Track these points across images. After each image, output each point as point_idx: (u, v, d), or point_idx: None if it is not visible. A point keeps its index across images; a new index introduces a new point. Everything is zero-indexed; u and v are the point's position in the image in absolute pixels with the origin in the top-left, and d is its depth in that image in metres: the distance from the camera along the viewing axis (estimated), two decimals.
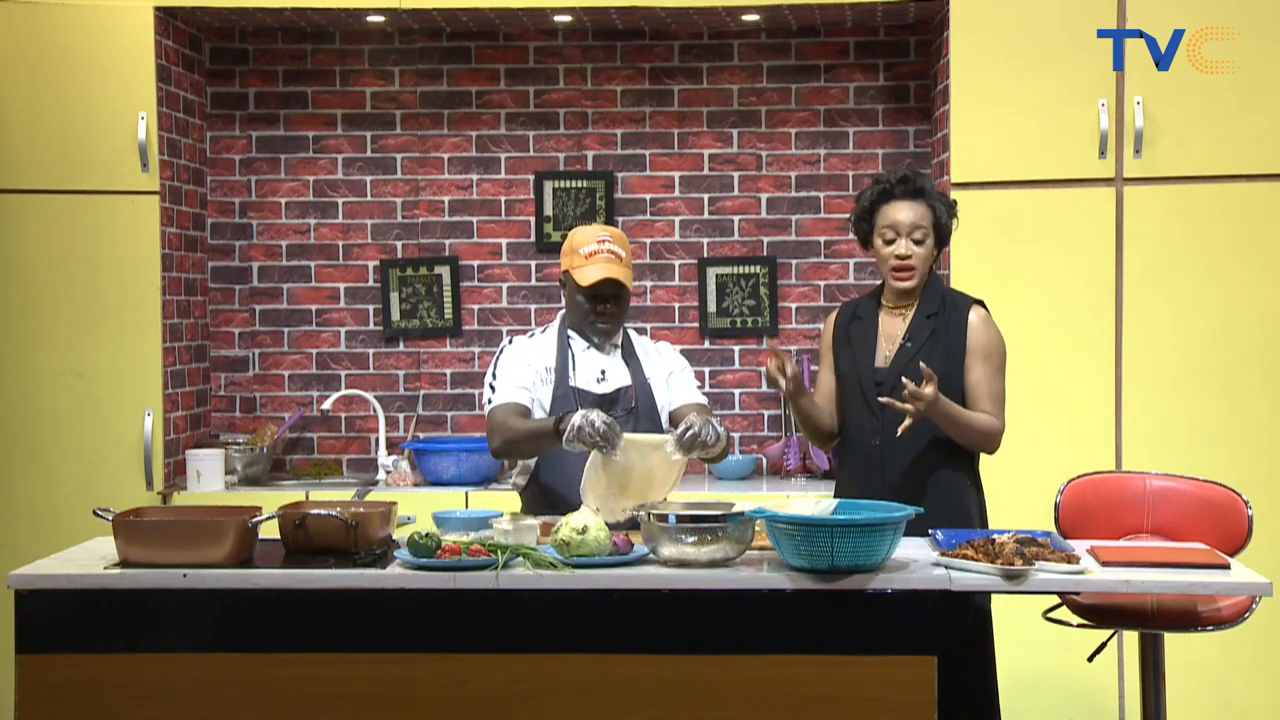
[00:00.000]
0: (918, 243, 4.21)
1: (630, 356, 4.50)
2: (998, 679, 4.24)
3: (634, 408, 4.40)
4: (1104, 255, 5.44)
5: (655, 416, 4.44)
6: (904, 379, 4.04)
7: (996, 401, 4.18)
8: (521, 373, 4.43)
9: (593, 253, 4.40)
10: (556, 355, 4.45)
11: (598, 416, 4.09)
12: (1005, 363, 4.25)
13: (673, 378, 4.51)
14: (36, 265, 5.70)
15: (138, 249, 5.71)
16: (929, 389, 4.00)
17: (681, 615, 3.65)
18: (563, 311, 4.56)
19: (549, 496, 4.39)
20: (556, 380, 4.42)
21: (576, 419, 4.09)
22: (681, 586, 3.64)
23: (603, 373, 4.45)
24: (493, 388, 4.44)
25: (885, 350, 4.26)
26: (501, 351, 4.52)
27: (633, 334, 4.58)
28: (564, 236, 6.17)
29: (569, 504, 4.11)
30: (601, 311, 4.41)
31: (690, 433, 4.10)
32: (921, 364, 4.06)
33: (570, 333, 4.49)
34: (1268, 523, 4.71)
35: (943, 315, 4.19)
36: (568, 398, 4.38)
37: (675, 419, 4.43)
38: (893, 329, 4.26)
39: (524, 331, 6.20)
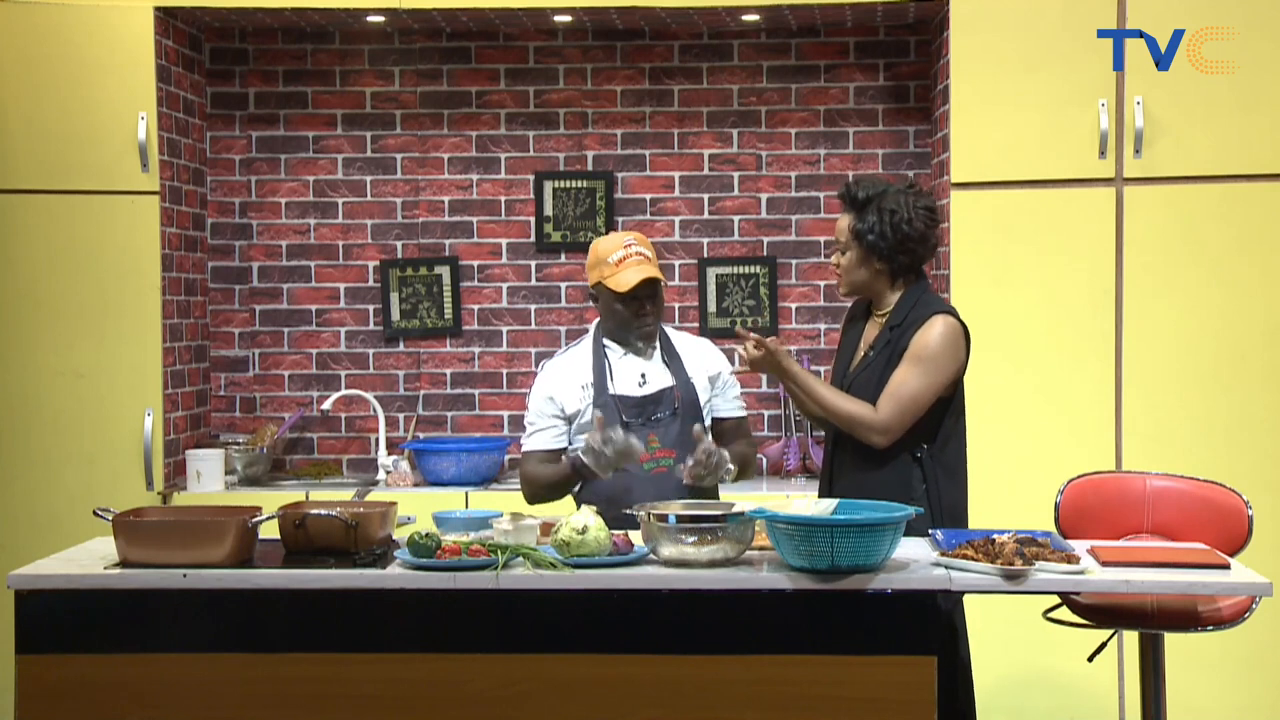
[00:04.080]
0: (841, 252, 4.24)
1: (670, 356, 4.51)
2: (972, 679, 4.22)
3: (678, 408, 4.42)
4: (1104, 255, 5.44)
5: (699, 415, 4.45)
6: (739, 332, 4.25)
7: (894, 399, 4.08)
8: (545, 410, 4.47)
9: (622, 259, 4.41)
10: (594, 368, 4.45)
11: (595, 440, 4.18)
12: (939, 370, 4.11)
13: (719, 381, 4.55)
14: (36, 265, 5.70)
15: (138, 249, 5.71)
16: (754, 349, 4.18)
17: (681, 615, 3.65)
18: (597, 321, 4.55)
19: (604, 501, 4.34)
20: (596, 392, 4.42)
21: (585, 458, 4.21)
22: (681, 586, 3.64)
23: (643, 377, 4.46)
24: (525, 425, 4.53)
25: (859, 355, 4.27)
26: (537, 378, 4.54)
27: (670, 331, 4.59)
28: (564, 237, 6.24)
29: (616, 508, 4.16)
30: (643, 314, 4.42)
31: (700, 471, 4.25)
32: (739, 329, 4.25)
33: (606, 342, 4.49)
34: (1268, 523, 4.71)
35: (902, 327, 4.17)
36: (609, 406, 4.38)
37: (718, 431, 4.50)
38: (870, 336, 4.28)
39: (523, 332, 6.25)
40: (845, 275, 4.25)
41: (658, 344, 4.52)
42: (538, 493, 4.48)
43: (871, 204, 4.18)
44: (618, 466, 4.23)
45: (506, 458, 6.07)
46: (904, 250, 4.18)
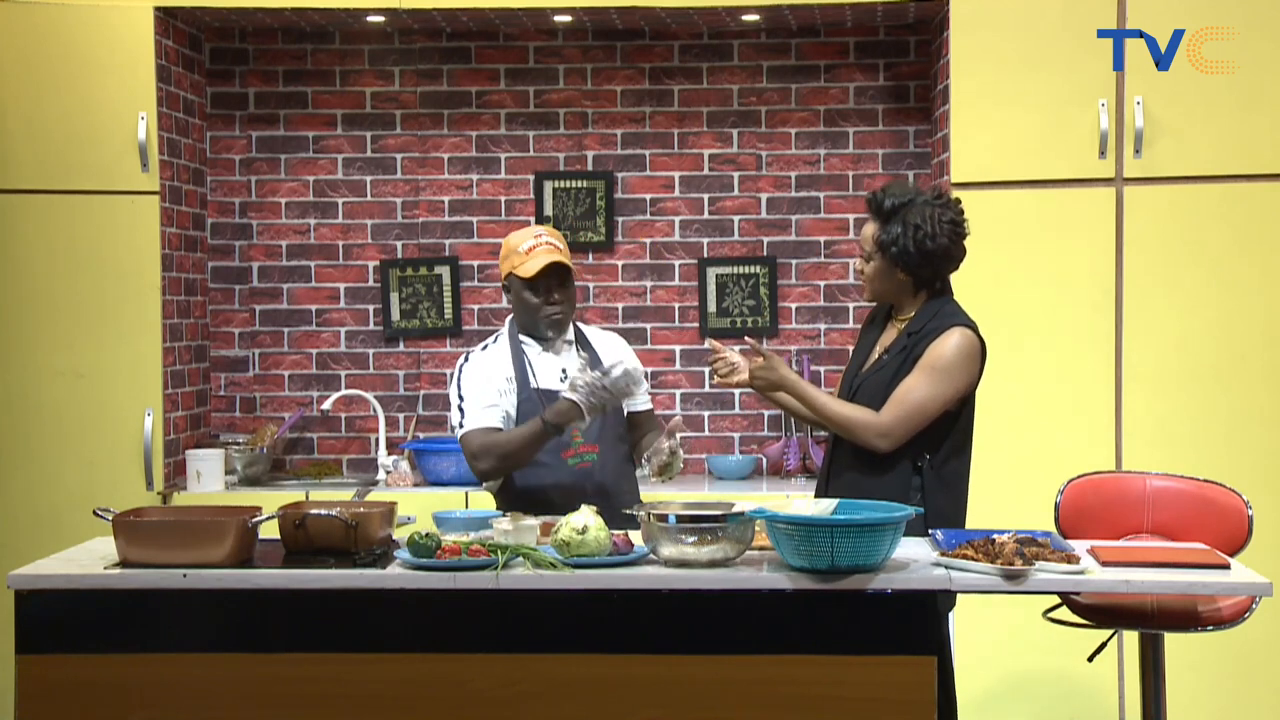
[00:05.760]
0: (866, 259, 4.23)
1: (588, 352, 4.51)
2: (954, 684, 4.22)
3: None
4: (1104, 255, 5.44)
5: (620, 408, 4.48)
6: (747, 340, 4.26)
7: (900, 404, 4.07)
8: (485, 390, 4.40)
9: (532, 248, 4.42)
10: (513, 363, 4.44)
11: (590, 376, 4.16)
12: (950, 381, 4.09)
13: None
14: (36, 265, 5.70)
15: (138, 249, 5.71)
16: (744, 360, 4.21)
17: (681, 615, 3.64)
18: (510, 318, 4.55)
19: (525, 498, 4.36)
20: (519, 386, 4.41)
21: (576, 395, 4.14)
22: (681, 586, 3.64)
23: (563, 371, 4.44)
24: (461, 410, 4.42)
25: (873, 359, 4.26)
26: (461, 371, 4.47)
27: (583, 328, 4.61)
28: (565, 237, 6.20)
29: (547, 505, 4.18)
30: (553, 302, 4.42)
31: (661, 462, 4.31)
32: (749, 340, 4.24)
33: (522, 338, 4.48)
34: (1268, 523, 4.71)
35: (920, 334, 4.16)
36: (533, 400, 4.37)
37: (633, 424, 4.55)
38: (886, 340, 4.26)
39: None
40: (869, 284, 4.24)
41: (573, 339, 4.53)
42: (507, 456, 4.33)
43: (897, 215, 4.14)
44: (614, 402, 4.21)
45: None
46: (927, 264, 4.15)
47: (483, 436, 4.35)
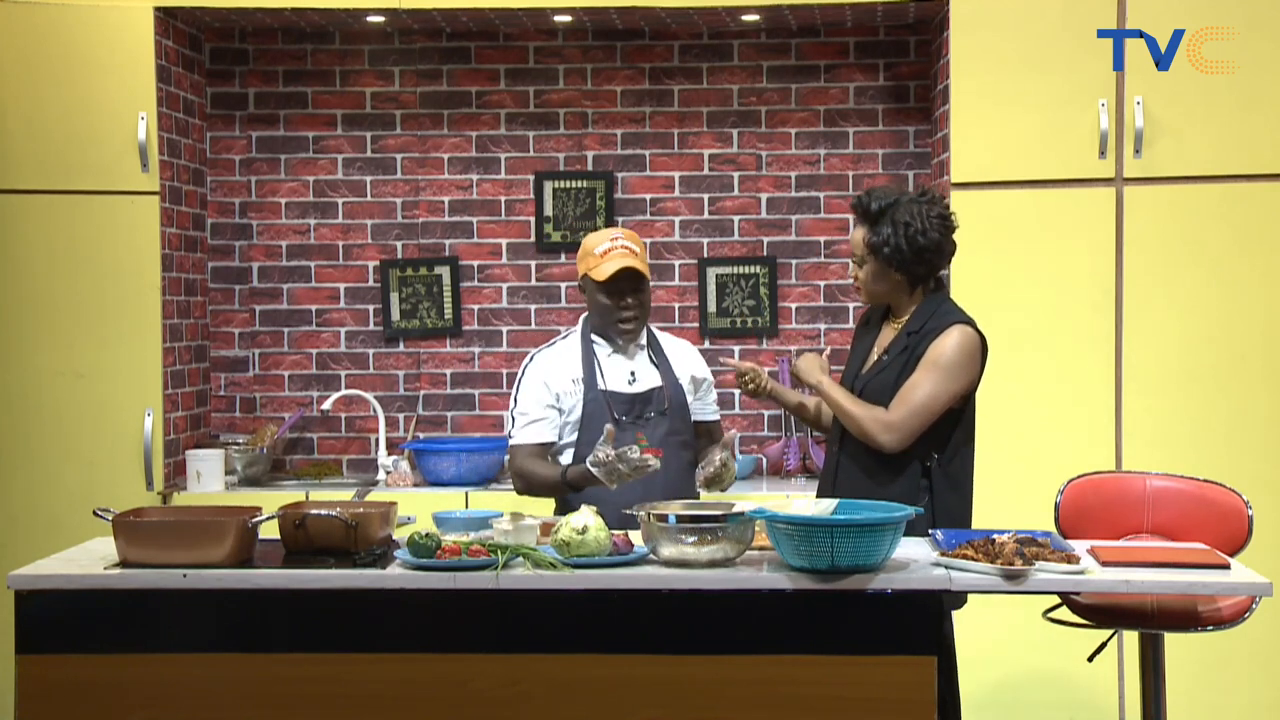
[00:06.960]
0: (858, 264, 4.23)
1: (659, 357, 4.51)
2: (958, 685, 4.22)
3: (666, 408, 4.42)
4: (1104, 255, 5.44)
5: (686, 415, 4.49)
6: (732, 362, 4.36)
7: (906, 403, 4.07)
8: (541, 399, 4.44)
9: (607, 250, 4.42)
10: (583, 364, 4.45)
11: (608, 455, 4.12)
12: (953, 378, 4.10)
13: (701, 385, 4.58)
14: (36, 265, 5.70)
15: (138, 249, 5.71)
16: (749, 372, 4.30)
17: (681, 615, 3.65)
18: (584, 316, 4.55)
19: (586, 501, 4.35)
20: (586, 387, 4.42)
21: (596, 471, 4.14)
22: (681, 586, 3.64)
23: (632, 374, 4.46)
24: (513, 418, 4.48)
25: (872, 359, 4.27)
26: (524, 372, 4.50)
27: (656, 332, 4.60)
28: (564, 237, 6.24)
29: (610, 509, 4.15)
30: (624, 306, 4.41)
31: (711, 473, 4.29)
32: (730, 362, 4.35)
33: (594, 338, 4.49)
34: (1268, 523, 4.71)
35: (920, 334, 4.17)
36: (598, 402, 4.38)
37: (698, 432, 4.56)
38: (885, 340, 4.27)
39: (523, 332, 6.25)
40: (865, 287, 4.25)
41: (645, 343, 4.53)
42: (532, 491, 4.47)
43: (885, 216, 4.14)
44: (636, 477, 4.19)
45: (507, 458, 6.06)
46: (920, 260, 4.16)
47: (521, 458, 4.44)
